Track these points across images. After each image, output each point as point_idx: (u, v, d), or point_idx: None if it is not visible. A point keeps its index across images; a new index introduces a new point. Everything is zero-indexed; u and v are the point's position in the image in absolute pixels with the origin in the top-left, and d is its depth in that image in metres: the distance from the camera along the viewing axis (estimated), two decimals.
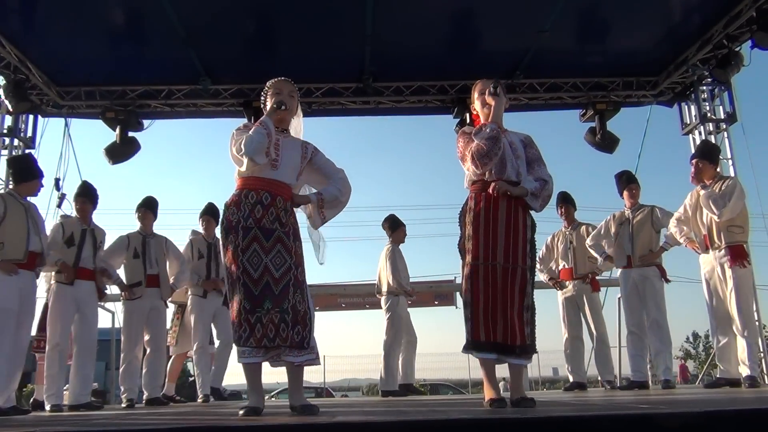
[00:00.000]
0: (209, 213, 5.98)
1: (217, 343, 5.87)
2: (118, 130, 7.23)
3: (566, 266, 6.00)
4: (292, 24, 6.14)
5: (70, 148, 7.24)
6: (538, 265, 5.91)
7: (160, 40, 6.39)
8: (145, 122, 7.59)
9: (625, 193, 5.65)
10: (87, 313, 5.00)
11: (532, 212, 3.18)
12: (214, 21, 6.06)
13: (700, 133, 7.45)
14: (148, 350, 5.50)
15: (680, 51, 6.96)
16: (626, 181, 5.69)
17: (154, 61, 6.88)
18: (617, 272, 5.75)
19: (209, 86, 7.14)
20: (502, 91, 3.20)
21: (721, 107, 7.37)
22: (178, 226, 18.83)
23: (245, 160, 2.94)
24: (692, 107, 7.58)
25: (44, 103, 7.27)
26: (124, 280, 5.39)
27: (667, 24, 6.53)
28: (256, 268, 2.85)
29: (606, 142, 7.53)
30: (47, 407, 4.80)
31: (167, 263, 5.61)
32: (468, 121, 7.25)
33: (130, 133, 7.36)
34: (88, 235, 5.07)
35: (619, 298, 5.89)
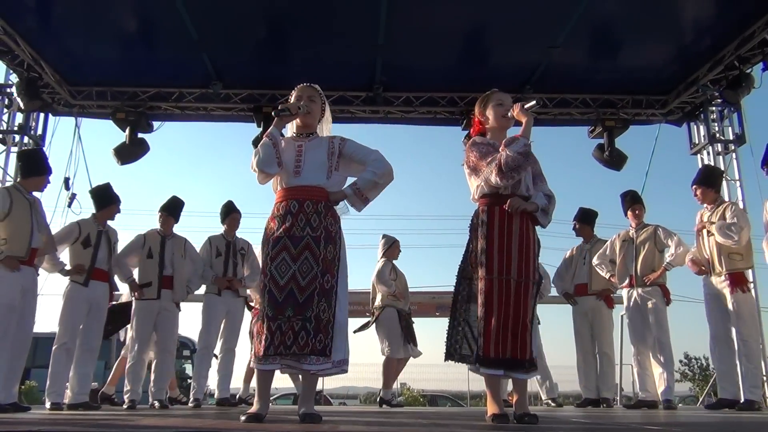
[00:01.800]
0: (232, 208, 5.93)
1: (219, 346, 5.72)
2: (127, 130, 7.25)
3: (581, 282, 5.98)
4: (305, 31, 6.17)
5: (79, 147, 7.29)
6: (554, 279, 6.11)
7: (172, 43, 6.43)
8: (155, 124, 7.61)
9: (629, 212, 5.67)
10: (97, 314, 5.03)
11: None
12: (227, 26, 6.10)
13: (708, 154, 7.45)
14: (154, 352, 5.49)
15: (691, 71, 6.97)
16: (631, 200, 5.70)
17: (166, 63, 6.93)
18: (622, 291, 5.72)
19: (220, 90, 7.17)
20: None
21: (730, 128, 7.38)
22: (185, 228, 18.89)
23: (257, 174, 3.01)
24: (701, 127, 7.58)
25: (56, 101, 7.31)
26: (137, 279, 5.37)
27: (678, 44, 6.55)
28: (283, 276, 2.89)
29: (614, 160, 7.53)
30: (47, 404, 4.80)
31: (183, 265, 5.55)
32: (464, 127, 7.32)
33: (140, 134, 7.38)
34: (104, 237, 5.10)
35: (621, 316, 5.92)
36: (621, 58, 6.81)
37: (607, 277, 5.67)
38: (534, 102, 3.17)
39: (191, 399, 5.67)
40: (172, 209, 5.62)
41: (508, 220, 3.05)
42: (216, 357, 5.79)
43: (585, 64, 6.96)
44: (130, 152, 7.36)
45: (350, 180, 3.20)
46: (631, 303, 5.49)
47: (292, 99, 3.18)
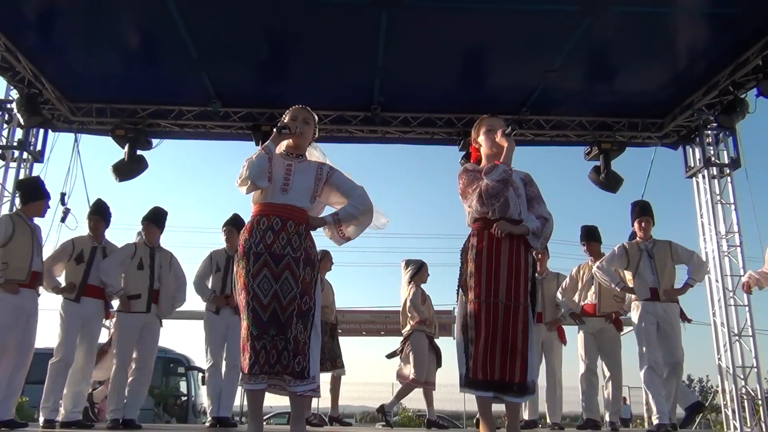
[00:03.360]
0: (231, 223, 5.69)
1: (224, 365, 5.50)
2: (126, 147, 7.27)
3: (590, 302, 5.75)
4: (305, 52, 6.23)
5: (78, 163, 7.30)
6: (559, 296, 5.89)
7: (173, 61, 6.48)
8: (154, 141, 7.64)
9: (636, 224, 5.45)
10: (90, 331, 4.99)
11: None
12: (226, 45, 6.15)
13: (703, 177, 7.49)
14: (132, 368, 5.22)
15: (686, 95, 7.02)
16: (639, 212, 5.45)
17: (166, 81, 6.96)
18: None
19: (219, 108, 7.21)
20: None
21: (725, 152, 7.42)
22: (181, 244, 18.85)
23: (247, 184, 2.99)
24: (697, 151, 7.62)
25: (55, 117, 7.34)
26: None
27: (673, 68, 6.61)
28: (266, 294, 2.88)
29: (610, 182, 7.56)
30: (41, 420, 4.78)
31: (169, 280, 5.38)
32: (465, 153, 7.31)
33: (139, 151, 7.41)
34: (99, 253, 5.05)
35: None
36: (617, 81, 6.86)
37: (612, 287, 5.37)
38: (510, 128, 3.25)
39: (208, 419, 5.44)
40: (156, 218, 5.42)
41: (496, 244, 3.09)
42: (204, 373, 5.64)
43: (582, 88, 7.02)
44: (128, 169, 7.37)
45: (328, 210, 3.25)
46: (650, 318, 5.18)
47: (287, 119, 3.22)
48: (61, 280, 5.05)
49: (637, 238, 5.43)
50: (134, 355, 5.20)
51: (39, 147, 7.39)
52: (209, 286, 5.54)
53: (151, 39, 6.19)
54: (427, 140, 7.76)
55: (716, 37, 6.03)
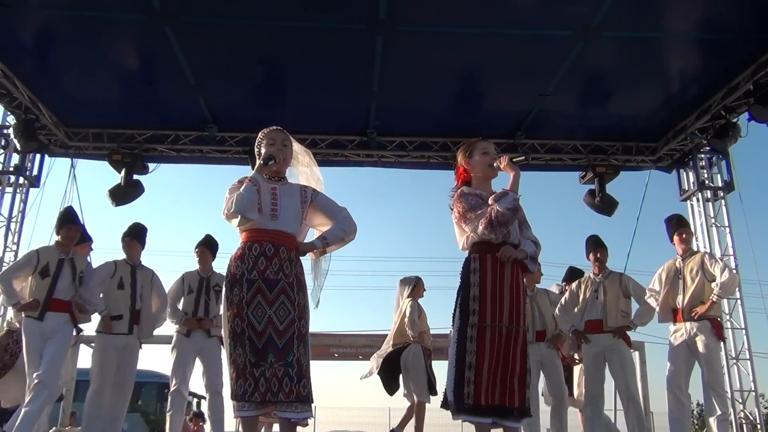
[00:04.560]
0: (204, 244, 5.57)
1: (205, 393, 5.36)
2: (123, 172, 7.27)
3: (594, 318, 5.31)
4: (301, 76, 6.27)
5: (74, 187, 7.29)
6: (560, 313, 5.47)
7: (170, 86, 6.50)
8: (150, 165, 7.64)
9: (676, 237, 5.19)
10: (54, 343, 4.61)
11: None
12: (223, 70, 6.19)
13: (698, 200, 7.51)
14: (111, 393, 4.98)
15: (679, 119, 7.07)
16: (677, 224, 5.23)
17: (163, 106, 6.99)
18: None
19: (216, 133, 7.22)
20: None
21: (719, 175, 7.46)
22: (176, 268, 18.78)
23: (237, 218, 2.97)
24: (690, 174, 7.66)
25: (52, 143, 7.33)
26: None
27: (666, 93, 6.66)
28: (260, 321, 2.85)
29: (605, 205, 7.57)
30: None
31: (151, 299, 5.22)
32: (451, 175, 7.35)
33: (135, 176, 7.40)
34: (66, 265, 4.76)
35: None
36: (611, 105, 6.91)
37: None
38: (522, 158, 3.27)
39: None
40: (137, 234, 5.25)
41: (500, 269, 3.08)
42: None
43: (576, 112, 7.07)
44: (125, 194, 7.36)
45: (311, 232, 3.25)
46: (677, 341, 4.99)
47: (263, 144, 3.21)
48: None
49: (677, 255, 5.20)
50: (112, 380, 4.99)
51: (35, 172, 7.38)
52: (180, 308, 5.40)
53: (149, 64, 6.22)
54: (422, 164, 7.78)
55: (707, 62, 6.10)
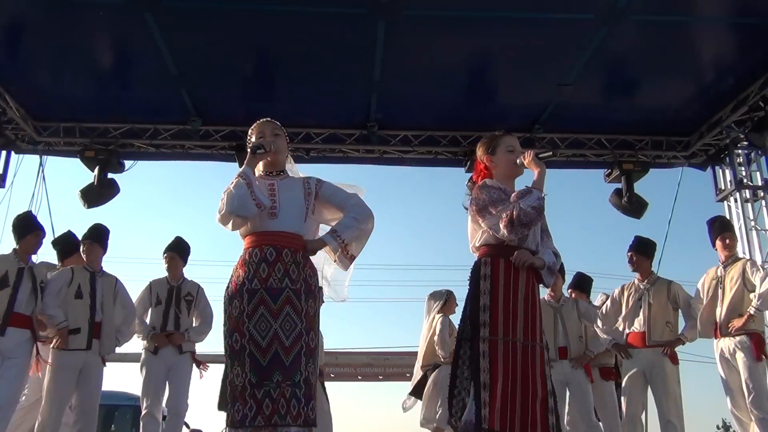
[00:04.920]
0: (174, 249, 5.64)
1: (165, 411, 5.42)
2: (96, 170, 7.36)
3: (637, 329, 5.34)
4: (294, 65, 6.39)
5: (43, 188, 7.39)
6: (600, 324, 5.51)
7: (149, 77, 6.61)
8: (127, 163, 7.75)
9: (718, 242, 5.28)
10: (15, 365, 4.61)
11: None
12: (209, 59, 6.29)
13: (735, 201, 7.59)
14: (73, 416, 4.92)
15: (714, 111, 7.17)
16: (720, 227, 5.33)
17: (141, 98, 7.10)
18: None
19: (199, 127, 7.35)
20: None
21: (758, 173, 7.54)
22: (152, 277, 18.84)
23: (231, 219, 3.02)
24: (727, 172, 7.74)
25: (19, 138, 7.44)
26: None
27: (699, 82, 6.76)
28: (264, 336, 2.84)
29: (633, 206, 7.64)
30: None
31: (114, 310, 5.13)
32: (468, 169, 7.47)
33: (110, 175, 7.51)
34: (26, 275, 4.74)
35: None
36: (638, 96, 7.02)
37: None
38: (550, 153, 3.34)
39: None
40: (97, 236, 5.20)
41: (513, 275, 3.10)
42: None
43: (599, 103, 7.17)
44: (98, 194, 7.45)
45: (323, 229, 3.27)
46: (718, 357, 5.12)
47: (253, 137, 3.28)
48: None
49: (719, 262, 5.31)
50: (73, 401, 4.94)
51: (1, 171, 7.47)
52: (148, 321, 5.46)
53: (126, 53, 6.34)
54: (429, 161, 7.92)
55: (744, 49, 6.18)
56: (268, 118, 3.36)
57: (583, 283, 6.19)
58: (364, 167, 8.08)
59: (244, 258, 3.05)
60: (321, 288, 3.14)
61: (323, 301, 3.16)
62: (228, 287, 3.04)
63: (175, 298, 5.49)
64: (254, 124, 3.34)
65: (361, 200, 3.25)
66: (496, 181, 3.33)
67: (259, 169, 3.24)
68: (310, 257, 3.13)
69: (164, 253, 5.68)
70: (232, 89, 6.97)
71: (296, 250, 3.04)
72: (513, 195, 3.17)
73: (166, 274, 5.64)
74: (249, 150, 3.18)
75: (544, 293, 5.58)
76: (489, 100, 7.08)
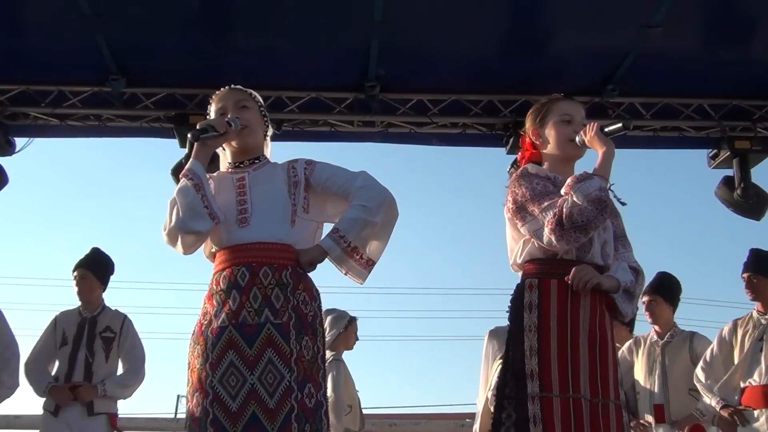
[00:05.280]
0: (87, 265, 5.77)
1: None
2: None
3: (756, 382, 5.36)
4: (260, 2, 6.42)
5: None
6: (702, 376, 5.53)
7: (49, 19, 6.62)
8: (18, 142, 7.77)
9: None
10: None
11: None
12: None
13: None
14: None
15: None
16: None
17: (39, 47, 7.10)
18: None
19: (123, 89, 7.37)
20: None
21: None
22: (60, 305, 18.88)
23: (179, 238, 3.09)
24: None
25: None
26: None
27: None
28: (236, 394, 2.86)
29: (750, 202, 7.60)
30: None
31: None
32: (510, 150, 7.51)
33: None
34: None
35: None
36: (757, 45, 7.01)
37: None
38: (620, 125, 3.29)
39: None
40: None
41: (572, 304, 3.14)
42: None
43: (699, 53, 7.19)
44: None
45: (328, 228, 3.27)
46: None
47: (212, 113, 3.36)
48: None
49: None
50: None
51: None
52: (52, 370, 5.54)
53: None
54: (454, 138, 7.97)
55: None
56: (232, 86, 3.44)
57: (668, 289, 6.16)
58: (359, 147, 8.14)
59: (212, 287, 3.12)
60: (322, 318, 3.17)
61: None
62: (193, 330, 3.10)
63: (87, 336, 5.56)
64: (216, 94, 3.42)
65: (371, 179, 3.27)
66: (549, 166, 3.39)
67: (228, 158, 3.35)
68: (308, 274, 3.18)
69: (74, 271, 5.74)
70: (170, 37, 7.01)
71: (282, 266, 3.08)
72: (565, 184, 3.20)
73: (78, 301, 5.71)
74: (189, 136, 3.27)
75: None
76: (540, 50, 7.11)
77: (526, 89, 7.35)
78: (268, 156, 3.41)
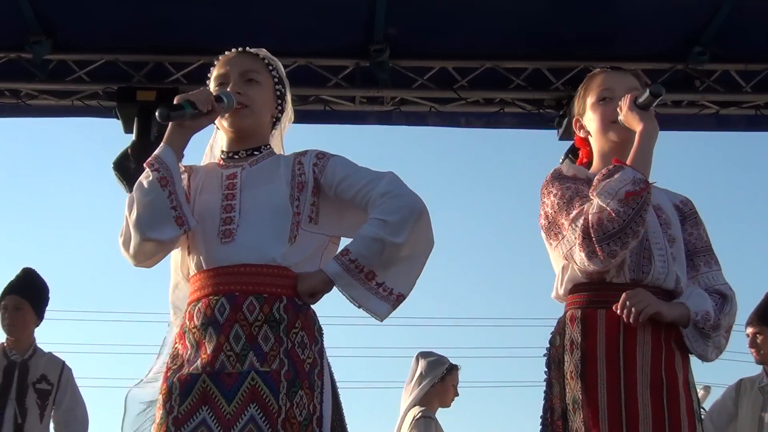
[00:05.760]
0: (17, 290, 5.85)
1: None
2: None
3: None
4: None
5: None
6: None
7: None
8: None
9: None
10: None
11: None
12: None
13: None
14: None
15: None
16: None
17: None
18: None
19: (47, 56, 7.41)
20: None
21: None
22: None
23: (137, 247, 3.03)
24: None
25: None
26: None
27: None
28: None
29: None
30: None
31: None
32: (563, 134, 7.54)
33: None
34: None
35: None
36: None
37: None
38: (647, 93, 3.21)
39: None
40: None
41: (626, 340, 3.14)
42: None
43: None
44: None
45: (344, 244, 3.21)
46: None
47: (212, 82, 3.33)
48: None
49: None
50: None
51: None
52: None
53: None
54: (489, 118, 8.02)
55: None
56: (241, 48, 3.39)
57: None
58: (362, 130, 8.18)
59: (184, 322, 3.08)
60: (323, 367, 3.05)
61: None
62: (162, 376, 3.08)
63: (18, 385, 5.59)
64: (221, 57, 3.38)
65: (399, 183, 3.19)
66: (598, 162, 3.41)
67: (223, 145, 3.34)
68: (311, 305, 3.12)
69: (0, 299, 5.80)
70: None
71: (273, 296, 3.02)
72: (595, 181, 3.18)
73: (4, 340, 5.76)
74: (157, 114, 3.09)
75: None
76: (602, 3, 7.10)
77: (586, 54, 7.36)
78: (278, 148, 3.38)
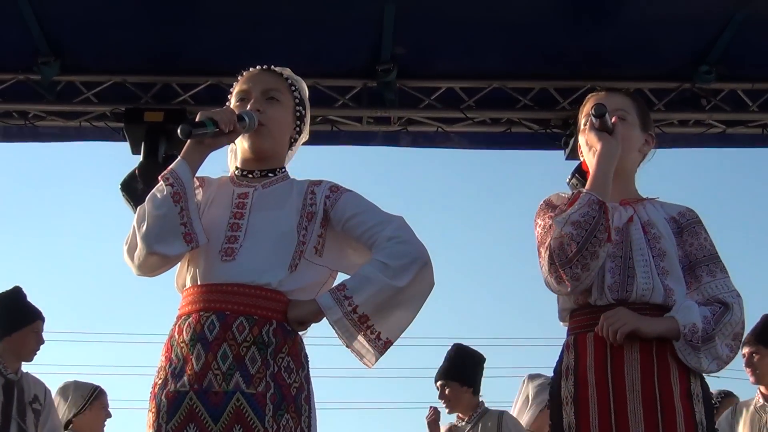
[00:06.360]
0: (5, 309, 5.87)
1: None
2: None
3: None
4: None
5: None
6: None
7: None
8: None
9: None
10: None
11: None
12: None
13: None
14: None
15: None
16: None
17: None
18: None
19: (56, 76, 7.41)
20: (615, 120, 3.32)
21: None
22: None
23: (143, 257, 3.04)
24: None
25: None
26: None
27: None
28: None
29: None
30: None
31: None
32: (570, 154, 7.57)
33: None
34: None
35: None
36: None
37: None
38: (593, 113, 3.27)
39: None
40: None
41: (613, 361, 3.15)
42: None
43: None
44: None
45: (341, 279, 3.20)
46: None
47: (233, 97, 3.34)
48: None
49: None
50: None
51: None
52: None
53: None
54: (497, 139, 8.04)
55: None
56: (265, 66, 3.41)
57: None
58: (368, 152, 8.15)
59: (172, 334, 3.07)
60: (310, 393, 3.05)
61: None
62: (150, 393, 3.06)
63: (18, 404, 5.59)
64: (244, 73, 3.40)
65: (406, 229, 3.19)
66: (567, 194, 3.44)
67: (237, 162, 3.33)
68: (299, 332, 3.11)
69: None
70: (117, 5, 7.01)
71: (264, 319, 3.01)
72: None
73: None
74: (179, 131, 3.11)
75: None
76: (610, 17, 7.07)
77: (592, 74, 7.37)
78: (289, 165, 3.38)
